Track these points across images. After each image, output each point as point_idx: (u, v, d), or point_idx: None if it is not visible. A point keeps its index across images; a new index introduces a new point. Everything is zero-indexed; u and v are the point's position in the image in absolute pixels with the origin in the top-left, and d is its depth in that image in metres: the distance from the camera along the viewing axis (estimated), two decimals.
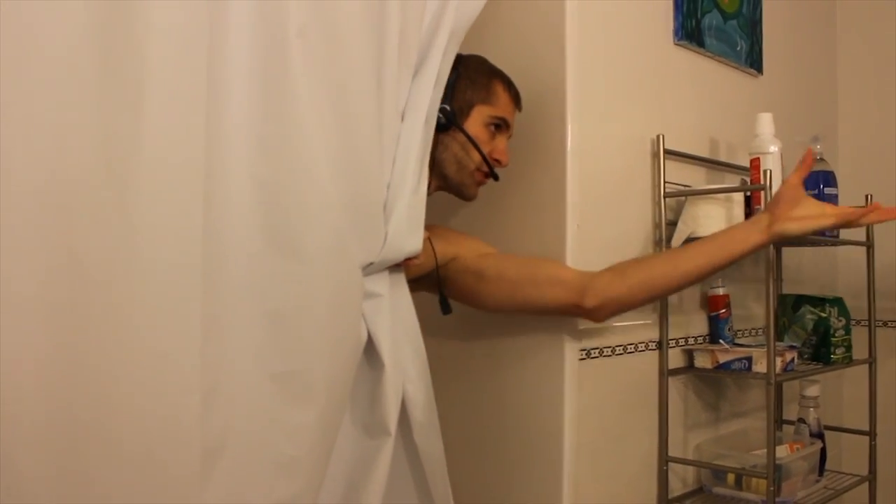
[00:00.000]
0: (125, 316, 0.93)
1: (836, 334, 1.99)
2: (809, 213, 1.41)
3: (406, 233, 1.28)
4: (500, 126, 1.51)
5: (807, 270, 2.42)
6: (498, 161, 1.51)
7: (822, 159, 1.96)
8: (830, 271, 2.54)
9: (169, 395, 0.97)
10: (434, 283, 1.50)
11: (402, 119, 1.29)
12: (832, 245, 2.13)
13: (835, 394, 2.47)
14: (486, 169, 1.49)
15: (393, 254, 1.27)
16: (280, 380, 1.10)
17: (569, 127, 1.60)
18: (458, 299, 1.52)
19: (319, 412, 1.15)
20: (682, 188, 1.84)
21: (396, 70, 1.25)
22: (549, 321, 1.60)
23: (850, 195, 2.25)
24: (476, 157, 1.48)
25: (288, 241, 1.11)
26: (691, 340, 1.91)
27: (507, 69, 1.60)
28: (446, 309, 1.49)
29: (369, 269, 1.25)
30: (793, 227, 1.40)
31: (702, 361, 1.84)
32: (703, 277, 1.46)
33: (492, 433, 1.67)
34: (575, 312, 1.51)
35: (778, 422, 2.21)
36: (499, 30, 1.67)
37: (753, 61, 2.16)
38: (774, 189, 1.74)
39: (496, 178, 1.51)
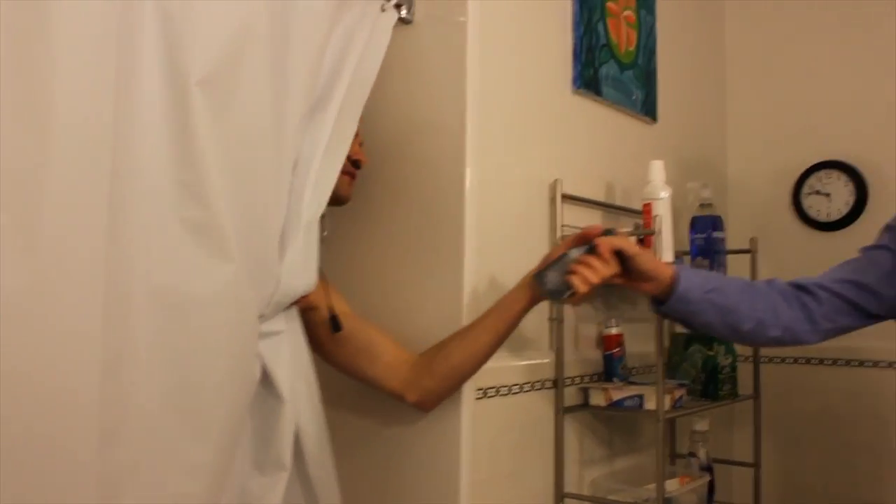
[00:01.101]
0: (26, 351, 0.93)
1: (723, 371, 2.09)
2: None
3: (300, 272, 1.32)
4: None
5: None
6: (359, 160, 1.55)
7: (710, 204, 2.07)
8: None
9: (67, 432, 0.97)
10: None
11: (296, 164, 1.33)
12: None
13: (726, 428, 2.58)
14: (348, 170, 1.51)
15: (287, 296, 1.31)
16: (178, 418, 1.11)
17: (467, 170, 1.64)
18: (313, 350, 1.53)
19: (216, 449, 1.17)
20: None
21: (296, 119, 1.29)
22: None
23: (738, 238, 2.37)
24: None
25: (189, 286, 1.12)
26: (587, 378, 1.97)
27: (406, 111, 1.64)
28: (337, 327, 1.52)
29: (269, 309, 1.28)
30: (532, 272, 1.51)
31: (596, 399, 1.90)
32: (497, 347, 1.54)
33: (388, 472, 1.68)
34: (400, 401, 1.56)
35: (671, 456, 2.29)
36: (399, 71, 1.70)
37: (648, 110, 2.26)
38: (665, 233, 1.82)
39: (355, 176, 1.56)
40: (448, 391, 1.56)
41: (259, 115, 1.21)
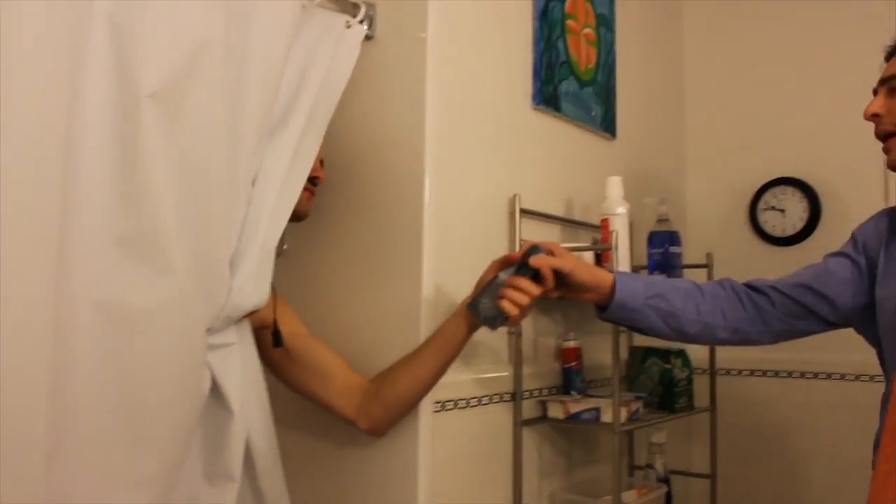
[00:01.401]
0: None
1: (679, 384, 2.12)
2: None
3: (252, 287, 1.32)
4: None
5: None
6: (317, 177, 1.56)
7: (666, 220, 2.10)
8: None
9: (13, 447, 0.97)
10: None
11: (255, 182, 1.34)
12: None
13: (685, 440, 2.61)
14: (306, 187, 1.52)
15: (238, 310, 1.31)
16: (123, 432, 1.11)
17: (426, 184, 1.65)
18: (266, 367, 1.53)
19: (162, 462, 1.17)
20: None
21: (253, 135, 1.30)
22: None
23: (697, 253, 2.42)
24: None
25: (143, 297, 1.12)
26: (546, 391, 1.99)
27: (366, 125, 1.66)
28: (278, 342, 1.52)
29: (219, 322, 1.28)
30: (466, 300, 1.53)
31: (554, 412, 1.92)
32: (443, 373, 1.56)
33: (345, 486, 1.68)
34: (352, 426, 1.58)
35: (629, 467, 2.32)
36: (360, 86, 1.70)
37: (607, 126, 2.30)
38: (622, 248, 1.85)
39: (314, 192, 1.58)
40: (398, 417, 1.57)
41: (213, 129, 1.21)
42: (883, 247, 1.52)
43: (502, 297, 1.47)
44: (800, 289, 1.58)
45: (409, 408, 1.57)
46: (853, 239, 1.61)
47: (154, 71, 1.11)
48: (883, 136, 1.49)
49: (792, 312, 1.58)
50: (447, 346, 1.54)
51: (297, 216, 1.53)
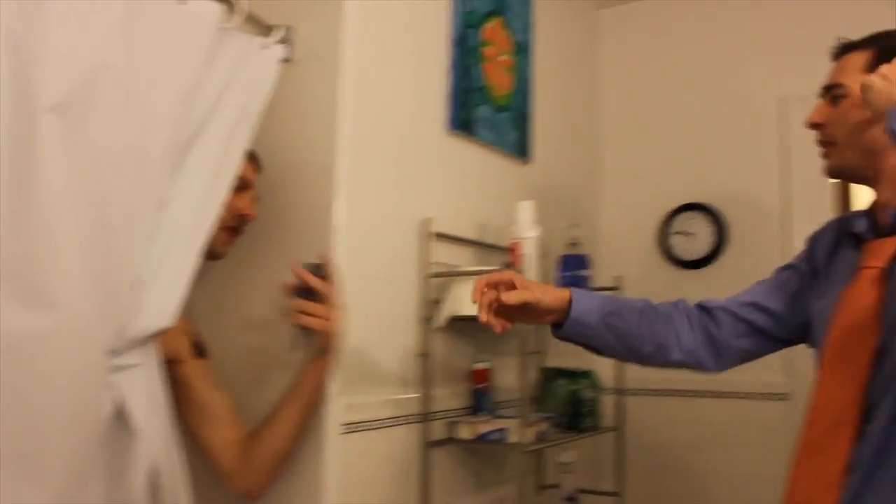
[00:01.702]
0: None
1: (586, 404, 2.17)
2: None
3: (159, 309, 1.32)
4: (239, 185, 1.55)
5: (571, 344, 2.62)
6: (245, 215, 1.57)
7: (577, 243, 2.16)
8: None
9: None
10: None
11: (167, 203, 1.33)
12: None
13: (596, 459, 2.67)
14: (230, 224, 1.54)
15: (143, 331, 1.30)
16: (14, 462, 1.09)
17: (334, 207, 1.67)
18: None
19: (55, 492, 1.15)
20: (449, 268, 1.96)
21: (160, 158, 1.30)
22: None
23: (609, 275, 2.48)
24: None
25: (30, 319, 1.11)
26: (456, 412, 2.01)
27: (281, 146, 1.67)
28: (202, 352, 1.55)
29: (122, 343, 1.27)
30: None
31: (463, 433, 1.95)
32: (308, 419, 1.59)
33: None
34: (224, 483, 1.59)
35: (538, 486, 2.36)
36: (276, 108, 1.69)
37: (523, 150, 2.35)
38: (530, 272, 1.90)
39: (239, 233, 1.59)
40: (268, 478, 1.58)
41: (115, 151, 1.21)
42: (826, 257, 1.49)
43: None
44: (747, 307, 1.54)
45: (277, 463, 1.57)
46: (804, 249, 1.58)
47: (54, 85, 1.10)
48: (822, 144, 1.46)
49: (738, 332, 1.54)
50: (305, 392, 1.58)
51: (213, 255, 1.54)
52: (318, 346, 1.58)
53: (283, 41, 1.70)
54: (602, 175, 2.95)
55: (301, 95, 1.75)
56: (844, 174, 1.48)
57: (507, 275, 1.48)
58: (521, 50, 2.36)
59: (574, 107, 2.80)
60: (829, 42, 2.58)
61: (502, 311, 1.44)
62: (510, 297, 1.42)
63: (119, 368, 1.27)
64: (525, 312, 1.47)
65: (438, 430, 1.95)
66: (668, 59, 2.89)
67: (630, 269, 2.78)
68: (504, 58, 2.26)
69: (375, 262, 1.79)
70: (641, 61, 2.94)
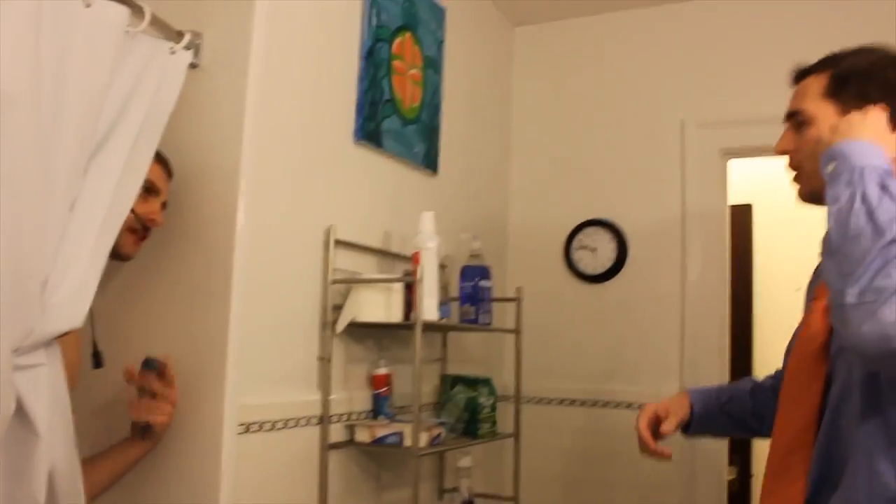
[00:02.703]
0: None
1: (483, 412, 2.24)
2: None
3: (67, 310, 1.33)
4: (149, 189, 1.58)
5: (475, 352, 2.69)
6: (152, 221, 1.60)
7: (478, 255, 2.23)
8: (496, 354, 2.83)
9: None
10: None
11: (73, 207, 1.35)
12: (488, 331, 2.39)
13: (497, 464, 2.74)
14: (136, 227, 1.57)
15: (49, 333, 1.31)
16: None
17: (238, 213, 1.69)
18: None
19: None
20: (352, 275, 2.01)
21: (69, 161, 1.31)
22: (204, 394, 1.67)
23: (513, 284, 2.56)
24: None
25: None
26: (354, 416, 2.06)
27: (187, 151, 1.70)
28: (98, 363, 1.58)
29: (28, 343, 1.28)
30: None
31: (361, 436, 2.00)
32: (115, 482, 1.63)
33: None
34: None
35: (439, 490, 2.42)
36: (183, 112, 1.69)
37: (430, 163, 2.41)
38: (428, 281, 1.96)
39: (145, 236, 1.61)
40: None
41: (24, 154, 1.21)
42: (809, 290, 1.57)
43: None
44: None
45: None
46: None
47: None
48: (791, 170, 1.46)
49: None
50: (119, 464, 1.62)
51: (119, 256, 1.56)
52: (152, 435, 1.63)
53: (191, 47, 1.72)
54: (509, 189, 3.04)
55: (208, 101, 1.77)
56: (814, 199, 1.41)
57: (650, 409, 1.72)
58: (432, 65, 2.42)
59: (484, 121, 2.88)
60: (729, 70, 2.75)
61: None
62: (670, 429, 1.69)
63: (22, 368, 1.28)
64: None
65: (338, 432, 1.99)
66: (578, 79, 3.00)
67: (536, 281, 2.88)
68: (414, 72, 2.33)
69: (278, 266, 1.82)
70: (552, 80, 3.05)
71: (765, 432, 1.54)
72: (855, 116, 1.28)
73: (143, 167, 1.50)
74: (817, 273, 1.55)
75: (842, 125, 1.28)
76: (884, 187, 1.15)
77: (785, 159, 1.46)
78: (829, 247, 1.18)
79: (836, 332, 1.31)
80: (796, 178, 1.46)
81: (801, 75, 1.46)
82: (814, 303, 1.44)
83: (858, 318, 1.09)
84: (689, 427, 1.74)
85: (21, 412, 1.27)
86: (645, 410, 1.72)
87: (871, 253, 1.10)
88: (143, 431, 1.61)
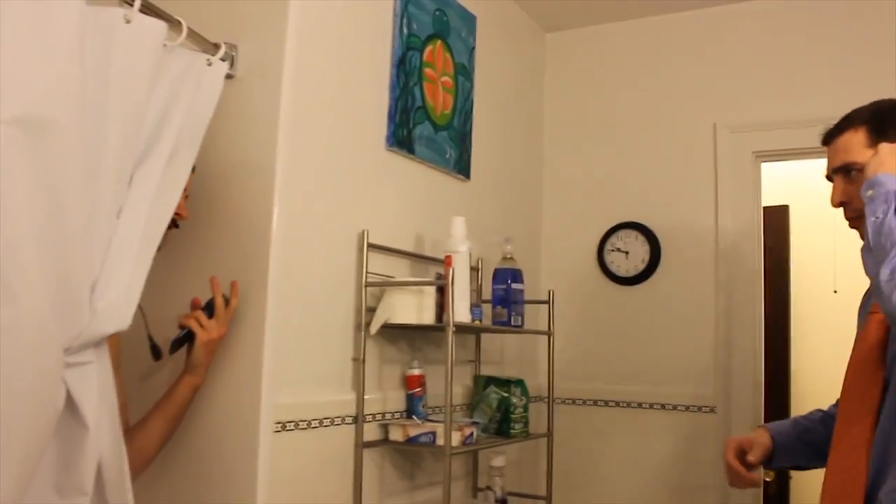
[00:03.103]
0: None
1: (516, 412, 2.28)
2: None
3: (115, 314, 1.40)
4: None
5: (509, 354, 2.73)
6: (178, 215, 1.65)
7: (510, 258, 2.27)
8: (529, 355, 2.86)
9: None
10: None
11: (121, 212, 1.42)
12: (521, 333, 2.42)
13: (530, 464, 2.77)
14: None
15: (99, 334, 1.38)
16: None
17: (274, 218, 1.76)
18: None
19: (12, 477, 1.21)
20: (385, 278, 2.06)
21: (114, 170, 1.38)
22: (241, 392, 1.74)
23: (547, 287, 2.60)
24: None
25: None
26: (388, 416, 2.11)
27: (223, 158, 1.77)
28: (157, 355, 1.69)
29: (78, 343, 1.35)
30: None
31: (395, 435, 2.04)
32: (171, 433, 1.71)
33: (185, 501, 1.76)
34: None
35: (473, 489, 2.46)
36: (219, 121, 1.74)
37: (462, 168, 2.46)
38: (460, 285, 2.00)
39: (177, 226, 1.67)
40: (134, 476, 1.62)
41: (73, 163, 1.27)
42: (861, 308, 1.73)
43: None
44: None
45: (140, 466, 1.64)
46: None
47: (12, 98, 1.17)
48: (851, 220, 1.63)
49: None
50: (173, 404, 1.69)
51: None
52: (192, 361, 1.70)
53: (227, 58, 1.78)
54: (543, 192, 3.07)
55: (244, 110, 1.84)
56: None
57: (734, 441, 1.84)
58: (463, 72, 2.47)
59: (516, 127, 2.92)
60: (760, 74, 2.75)
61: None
62: (756, 458, 1.79)
63: (72, 365, 1.35)
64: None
65: (372, 432, 2.04)
66: (610, 84, 3.03)
67: (570, 283, 2.91)
68: (445, 79, 2.37)
69: (313, 270, 1.88)
70: (584, 85, 3.07)
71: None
72: (883, 152, 1.53)
73: (183, 175, 1.57)
74: (868, 294, 1.71)
75: (872, 163, 1.52)
76: None
77: (842, 210, 1.64)
78: (868, 247, 1.44)
79: (891, 338, 1.53)
80: (856, 223, 1.62)
81: (834, 134, 1.66)
82: (870, 315, 1.61)
83: (890, 291, 1.36)
84: (773, 458, 1.83)
85: (71, 406, 1.35)
86: (729, 443, 1.84)
87: None
88: (182, 341, 1.69)
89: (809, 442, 1.82)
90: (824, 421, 1.82)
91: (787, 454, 1.84)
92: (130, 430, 1.65)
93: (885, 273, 1.37)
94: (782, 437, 1.84)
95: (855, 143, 1.60)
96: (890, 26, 2.58)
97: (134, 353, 1.75)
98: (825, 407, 1.87)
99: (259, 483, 1.71)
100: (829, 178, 1.67)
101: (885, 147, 1.53)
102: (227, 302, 1.73)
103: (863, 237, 1.55)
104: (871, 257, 1.43)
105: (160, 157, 1.52)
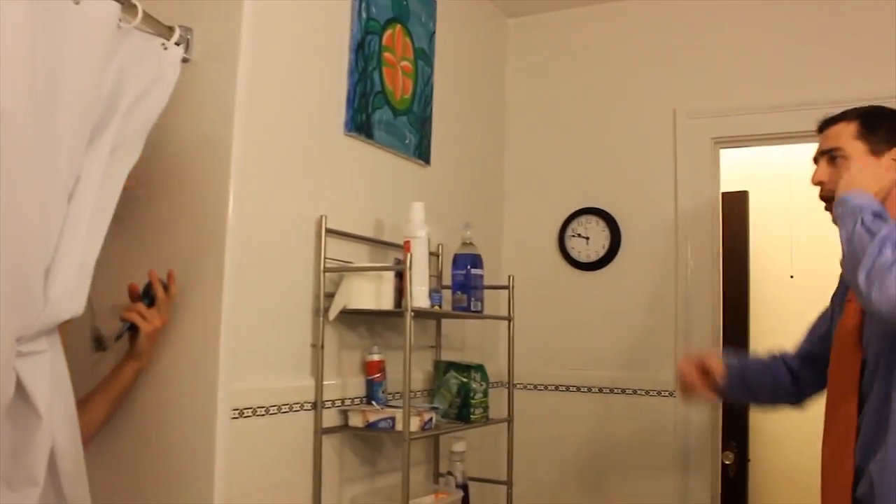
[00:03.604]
0: None
1: (476, 397, 2.28)
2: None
3: (69, 299, 1.38)
4: None
5: (470, 339, 2.74)
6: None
7: (470, 243, 2.27)
8: (491, 341, 2.87)
9: None
10: None
11: (72, 196, 1.40)
12: (481, 318, 2.42)
13: (491, 449, 2.78)
14: None
15: (53, 321, 1.36)
16: None
17: (230, 202, 1.73)
18: None
19: None
20: (343, 264, 2.05)
21: (66, 154, 1.35)
22: (197, 379, 1.72)
23: (508, 272, 2.60)
24: None
25: None
26: (348, 401, 2.10)
27: (179, 141, 1.75)
28: (100, 346, 1.67)
29: (32, 332, 1.33)
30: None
31: (354, 421, 2.04)
32: (115, 411, 1.72)
33: (142, 491, 1.74)
34: None
35: (435, 474, 2.47)
36: (175, 105, 1.71)
37: (422, 153, 2.45)
38: (418, 269, 2.00)
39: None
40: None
41: (23, 149, 1.25)
42: (839, 296, 1.89)
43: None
44: (802, 359, 2.02)
45: (84, 444, 1.60)
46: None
47: None
48: (825, 199, 1.79)
49: (806, 380, 2.00)
50: (115, 387, 1.70)
51: None
52: (136, 350, 1.69)
53: (182, 42, 1.76)
54: (504, 178, 3.07)
55: (199, 94, 1.81)
56: None
57: (694, 354, 2.07)
58: (423, 56, 2.46)
59: (478, 112, 2.92)
60: (719, 60, 2.77)
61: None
62: (719, 368, 1.99)
63: (25, 355, 1.33)
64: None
65: (332, 418, 2.04)
66: (572, 69, 3.03)
67: (531, 269, 2.92)
68: (405, 63, 2.36)
69: (270, 255, 1.87)
70: (546, 70, 3.08)
71: (761, 407, 2.14)
72: (853, 171, 1.69)
73: (131, 160, 1.54)
74: (842, 280, 1.89)
75: (842, 182, 1.69)
76: (876, 215, 1.58)
77: (818, 189, 1.81)
78: (845, 257, 1.60)
79: (865, 322, 1.70)
80: (829, 205, 1.77)
81: (829, 123, 1.82)
82: (847, 304, 1.77)
83: (868, 292, 1.50)
84: (722, 390, 2.03)
85: (23, 395, 1.33)
86: (688, 355, 2.06)
87: (870, 247, 1.52)
88: (125, 333, 1.68)
89: (752, 372, 2.05)
90: (770, 366, 2.04)
91: (737, 380, 2.03)
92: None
93: (861, 276, 1.52)
94: (732, 364, 2.04)
95: (845, 133, 1.76)
96: (846, 14, 2.61)
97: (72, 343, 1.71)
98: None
99: (216, 470, 1.70)
100: (815, 160, 1.83)
101: (854, 166, 1.70)
102: (165, 289, 1.72)
103: (833, 221, 1.71)
104: (849, 265, 1.58)
105: (109, 143, 1.49)
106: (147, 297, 1.71)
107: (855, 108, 1.80)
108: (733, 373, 2.03)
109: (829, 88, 2.56)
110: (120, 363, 1.71)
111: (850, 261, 1.57)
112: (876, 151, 1.73)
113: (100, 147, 1.48)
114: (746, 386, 2.05)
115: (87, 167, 1.45)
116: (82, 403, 1.63)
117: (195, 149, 1.80)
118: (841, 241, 1.62)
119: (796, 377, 2.00)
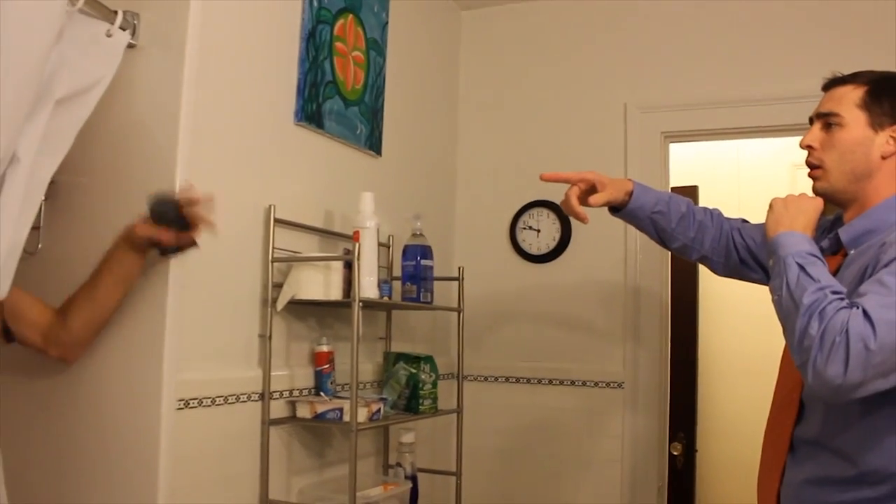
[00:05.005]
0: None
1: (425, 388, 2.29)
2: None
3: None
4: None
5: (421, 331, 2.74)
6: None
7: (420, 234, 2.27)
8: (442, 332, 2.88)
9: None
10: None
11: (3, 178, 1.36)
12: (430, 309, 2.43)
13: (441, 440, 2.79)
14: None
15: None
16: None
17: (177, 191, 1.71)
18: None
19: None
20: (292, 254, 2.04)
21: (5, 139, 1.32)
22: (142, 369, 1.69)
23: (459, 264, 2.61)
24: None
25: None
26: (296, 392, 2.09)
27: (124, 130, 1.72)
28: (10, 338, 1.59)
29: None
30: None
31: (302, 412, 2.03)
32: (122, 298, 1.65)
33: (82, 485, 1.71)
34: (44, 356, 1.65)
35: (384, 465, 2.47)
36: (119, 90, 1.71)
37: (373, 144, 2.44)
38: (366, 260, 2.00)
39: None
40: (87, 341, 1.64)
41: None
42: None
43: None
44: (743, 235, 1.92)
45: (94, 332, 1.64)
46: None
47: None
48: (811, 166, 1.64)
49: (741, 256, 1.91)
50: (128, 279, 1.63)
51: None
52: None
53: (128, 26, 1.73)
54: (456, 169, 3.08)
55: (145, 81, 1.78)
56: (829, 196, 1.62)
57: (590, 176, 1.90)
58: (375, 47, 2.45)
59: (430, 104, 2.91)
60: (671, 56, 2.80)
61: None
62: (597, 200, 1.87)
63: None
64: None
65: (279, 409, 2.03)
66: (525, 63, 3.04)
67: (482, 261, 2.93)
68: (356, 54, 2.35)
69: (218, 244, 1.82)
70: (499, 63, 3.08)
71: (670, 250, 1.99)
72: (776, 210, 1.55)
73: (65, 147, 1.51)
74: None
75: (769, 222, 1.54)
76: (801, 267, 1.42)
77: (805, 154, 1.65)
78: (777, 314, 1.45)
79: None
80: (814, 172, 1.64)
81: (836, 82, 1.64)
82: None
83: (806, 375, 1.35)
84: (619, 211, 1.95)
85: None
86: (584, 174, 1.92)
87: (797, 323, 1.36)
88: (169, 251, 1.65)
89: (656, 222, 1.93)
90: (684, 217, 1.93)
91: (634, 219, 1.96)
92: (75, 301, 1.61)
93: (797, 359, 1.37)
94: (639, 203, 1.92)
95: (847, 98, 1.59)
96: (794, 11, 2.66)
97: None
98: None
99: (161, 462, 1.67)
100: (811, 120, 1.67)
101: (777, 202, 1.57)
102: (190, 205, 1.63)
103: (816, 190, 1.62)
104: (781, 323, 1.45)
105: (43, 124, 1.46)
106: (171, 220, 1.60)
107: (869, 72, 1.62)
108: (641, 208, 1.91)
109: (776, 85, 2.61)
110: (126, 253, 1.62)
111: (782, 321, 1.45)
112: (875, 124, 1.57)
113: (33, 131, 1.45)
114: (655, 230, 1.95)
115: (20, 151, 1.41)
116: (89, 289, 1.60)
117: (140, 137, 1.77)
118: (772, 301, 1.48)
119: (730, 248, 1.92)
